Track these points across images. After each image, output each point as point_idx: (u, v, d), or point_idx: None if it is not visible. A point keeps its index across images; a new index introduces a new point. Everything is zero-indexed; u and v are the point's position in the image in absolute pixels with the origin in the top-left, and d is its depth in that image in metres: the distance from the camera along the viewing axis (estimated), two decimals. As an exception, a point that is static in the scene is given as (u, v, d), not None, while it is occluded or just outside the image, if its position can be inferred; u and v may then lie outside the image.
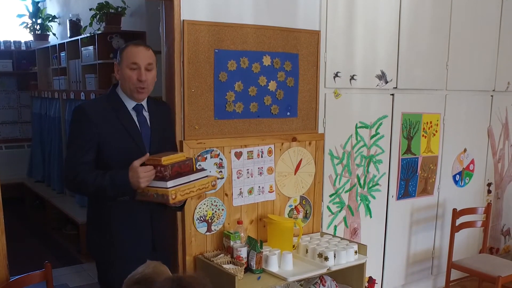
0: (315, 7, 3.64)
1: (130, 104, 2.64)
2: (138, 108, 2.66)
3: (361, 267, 3.43)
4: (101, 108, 2.59)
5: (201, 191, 2.69)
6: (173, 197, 2.46)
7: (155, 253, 2.70)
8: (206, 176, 2.73)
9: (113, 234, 2.62)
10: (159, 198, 2.47)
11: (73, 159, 2.55)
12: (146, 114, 2.69)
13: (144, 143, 2.64)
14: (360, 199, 4.07)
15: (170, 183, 2.46)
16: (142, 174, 2.45)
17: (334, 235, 3.75)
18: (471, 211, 4.40)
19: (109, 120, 2.57)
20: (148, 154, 2.52)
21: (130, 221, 2.63)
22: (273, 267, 3.13)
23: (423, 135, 4.37)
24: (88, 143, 2.53)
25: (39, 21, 7.54)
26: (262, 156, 3.47)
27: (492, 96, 4.86)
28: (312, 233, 3.78)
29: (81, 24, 6.32)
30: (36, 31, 7.59)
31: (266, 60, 3.41)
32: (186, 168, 2.63)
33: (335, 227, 3.96)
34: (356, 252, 3.41)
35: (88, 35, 5.64)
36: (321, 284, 3.41)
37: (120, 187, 2.48)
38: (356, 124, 3.96)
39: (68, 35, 6.46)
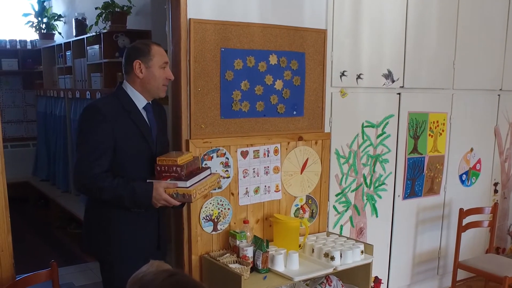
0: (321, 6, 3.62)
1: (141, 104, 2.64)
2: (147, 108, 2.67)
3: (367, 267, 3.42)
4: (114, 108, 2.57)
5: (211, 188, 2.75)
6: (195, 195, 2.49)
7: (158, 251, 2.71)
8: (211, 173, 2.78)
9: (120, 235, 2.62)
10: (179, 198, 2.49)
11: (87, 162, 2.49)
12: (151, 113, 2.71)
13: (154, 142, 2.65)
14: (366, 199, 4.05)
15: (189, 183, 2.50)
16: (163, 201, 2.50)
17: (340, 235, 3.74)
18: (477, 211, 4.38)
19: (122, 120, 2.56)
20: (176, 183, 2.52)
21: (138, 221, 2.64)
22: (279, 266, 3.12)
23: (429, 135, 4.35)
24: (103, 143, 2.49)
25: (44, 20, 7.56)
26: (268, 155, 3.46)
27: (499, 95, 4.84)
28: (318, 232, 3.77)
29: (87, 23, 6.32)
30: (42, 30, 7.61)
31: (273, 59, 3.40)
32: (195, 167, 2.67)
33: (341, 226, 3.95)
34: (362, 251, 3.40)
35: (94, 34, 5.64)
36: (327, 284, 3.40)
37: (141, 202, 2.51)
38: (363, 123, 3.95)
39: (74, 34, 6.46)
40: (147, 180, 2.53)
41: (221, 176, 3.18)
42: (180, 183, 2.48)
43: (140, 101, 2.64)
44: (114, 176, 2.51)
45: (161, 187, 2.48)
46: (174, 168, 2.50)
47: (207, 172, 2.74)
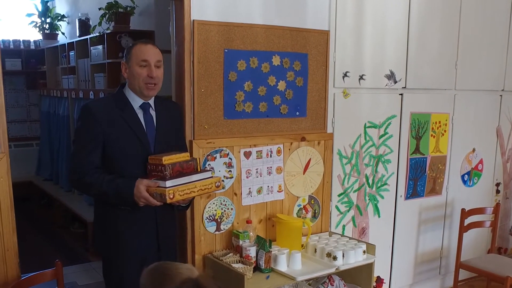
0: (324, 7, 3.64)
1: (136, 103, 2.66)
2: (144, 107, 2.67)
3: (369, 267, 3.43)
4: (106, 107, 2.62)
5: (204, 192, 2.68)
6: (171, 196, 2.47)
7: (159, 253, 2.72)
8: (211, 176, 2.73)
9: (118, 233, 2.64)
10: (158, 198, 2.49)
11: (78, 158, 2.58)
12: (153, 112, 2.71)
13: (149, 142, 2.65)
14: (369, 199, 4.07)
15: (168, 183, 2.48)
16: (143, 199, 2.50)
17: (342, 235, 3.75)
18: (479, 211, 4.39)
19: (114, 119, 2.59)
20: (158, 182, 2.52)
21: (135, 220, 2.65)
22: (282, 266, 3.14)
23: (431, 135, 4.36)
24: (92, 141, 2.55)
25: (48, 20, 7.59)
26: (271, 156, 3.48)
27: (501, 95, 4.85)
28: (321, 232, 3.78)
29: (90, 23, 6.35)
30: (45, 30, 7.64)
31: (276, 60, 3.42)
32: (188, 168, 2.63)
33: (344, 226, 3.97)
34: (364, 251, 3.41)
35: (97, 34, 5.66)
36: (329, 284, 3.41)
37: (124, 198, 2.52)
38: (365, 124, 3.96)
39: (77, 34, 6.49)
40: (139, 178, 2.55)
41: (222, 180, 3.17)
42: (161, 183, 2.49)
43: (136, 100, 2.66)
44: (102, 173, 2.56)
45: (142, 185, 2.49)
46: (160, 168, 2.52)
47: (204, 175, 2.69)
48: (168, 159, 2.54)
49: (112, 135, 2.57)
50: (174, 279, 1.70)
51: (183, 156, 2.64)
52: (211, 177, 2.73)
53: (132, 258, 2.62)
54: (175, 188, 2.49)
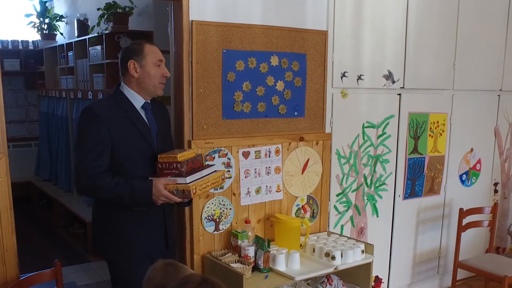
0: (322, 7, 3.65)
1: (138, 103, 2.65)
2: (146, 107, 2.68)
3: (367, 267, 3.44)
4: (109, 108, 2.59)
5: (214, 185, 2.75)
6: (194, 191, 2.51)
7: (167, 250, 2.73)
8: (215, 170, 2.78)
9: (125, 235, 2.63)
10: (179, 194, 2.51)
11: (85, 163, 2.52)
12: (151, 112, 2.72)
13: (154, 141, 2.66)
14: (367, 199, 4.08)
15: (188, 179, 2.51)
16: (164, 198, 2.51)
17: (341, 235, 3.76)
18: (477, 210, 4.40)
19: (119, 120, 2.57)
20: (176, 179, 2.53)
21: (143, 220, 2.65)
22: (281, 266, 3.15)
23: (430, 135, 4.37)
24: (99, 145, 2.51)
25: (46, 20, 7.57)
26: (269, 156, 3.48)
27: (499, 95, 4.85)
28: (319, 232, 3.79)
29: (89, 23, 6.35)
30: (44, 31, 7.63)
31: (274, 60, 3.43)
32: (198, 164, 2.69)
33: (342, 226, 3.98)
34: (363, 251, 3.42)
35: (96, 34, 5.67)
36: (328, 283, 3.42)
37: (139, 200, 2.52)
38: (363, 124, 3.97)
39: (76, 35, 6.49)
40: (149, 178, 2.55)
41: (226, 173, 3.19)
42: (180, 180, 2.50)
43: (138, 100, 2.65)
44: (113, 176, 2.53)
45: (160, 183, 2.49)
46: (175, 165, 2.53)
47: (211, 169, 2.75)
48: (181, 156, 2.56)
49: (118, 136, 2.55)
50: (186, 273, 1.75)
51: (191, 153, 2.69)
52: (215, 171, 2.78)
53: (141, 258, 2.61)
54: (196, 183, 2.53)
